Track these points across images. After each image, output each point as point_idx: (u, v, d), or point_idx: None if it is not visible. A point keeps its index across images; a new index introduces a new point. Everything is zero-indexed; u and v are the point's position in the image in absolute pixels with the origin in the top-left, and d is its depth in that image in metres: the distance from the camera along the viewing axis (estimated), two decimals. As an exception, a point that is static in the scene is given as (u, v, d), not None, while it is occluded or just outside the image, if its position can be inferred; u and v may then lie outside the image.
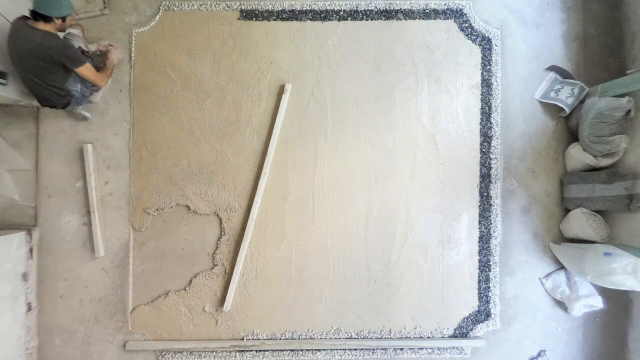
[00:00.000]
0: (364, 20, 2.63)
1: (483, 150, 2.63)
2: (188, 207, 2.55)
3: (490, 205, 2.62)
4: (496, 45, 2.64)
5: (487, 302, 2.60)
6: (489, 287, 2.60)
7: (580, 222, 2.43)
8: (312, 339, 2.53)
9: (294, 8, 2.62)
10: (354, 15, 2.63)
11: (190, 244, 2.55)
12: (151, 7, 2.59)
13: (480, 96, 2.64)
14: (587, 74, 2.64)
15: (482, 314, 2.60)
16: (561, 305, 2.61)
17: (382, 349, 2.54)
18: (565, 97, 2.54)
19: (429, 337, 2.57)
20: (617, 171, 2.31)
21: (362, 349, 2.54)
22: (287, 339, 2.53)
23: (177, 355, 2.50)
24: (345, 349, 2.54)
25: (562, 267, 2.60)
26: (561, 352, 2.60)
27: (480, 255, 2.61)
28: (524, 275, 2.63)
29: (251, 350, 2.51)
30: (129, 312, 2.51)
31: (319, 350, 2.54)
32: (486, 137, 2.63)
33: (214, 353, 2.51)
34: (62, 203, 2.52)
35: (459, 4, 2.64)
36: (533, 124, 2.65)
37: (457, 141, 2.63)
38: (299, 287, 2.56)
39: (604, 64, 2.63)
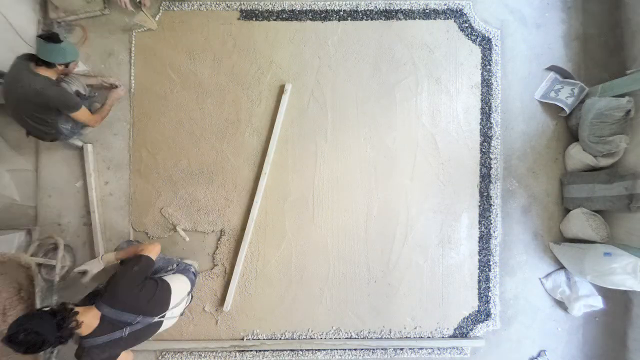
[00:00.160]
0: (364, 20, 2.63)
1: (483, 150, 2.63)
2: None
3: (490, 205, 2.62)
4: (496, 45, 2.64)
5: (487, 302, 2.60)
6: (489, 287, 2.60)
7: (580, 222, 2.43)
8: (312, 339, 2.53)
9: (294, 8, 2.62)
10: (354, 15, 2.63)
11: (190, 244, 2.55)
12: (151, 7, 2.59)
13: (480, 96, 2.64)
14: (587, 74, 2.64)
15: (482, 314, 2.60)
16: (561, 305, 2.61)
17: (382, 349, 2.54)
18: (565, 97, 2.54)
19: (429, 337, 2.57)
20: (617, 171, 2.31)
21: (362, 349, 2.54)
22: (287, 339, 2.53)
23: (177, 355, 2.50)
24: (345, 349, 2.54)
25: (562, 267, 2.60)
26: (561, 352, 2.60)
27: (480, 255, 2.61)
28: (524, 275, 2.63)
29: (251, 350, 2.51)
30: (129, 312, 2.51)
31: (319, 350, 2.54)
32: (486, 137, 2.63)
33: (214, 353, 2.51)
34: (62, 203, 2.52)
35: (459, 4, 2.64)
36: (533, 124, 2.65)
37: (457, 141, 2.63)
38: (299, 287, 2.56)
39: (604, 64, 2.63)
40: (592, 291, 2.49)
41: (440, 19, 2.64)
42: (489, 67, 2.64)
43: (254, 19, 2.61)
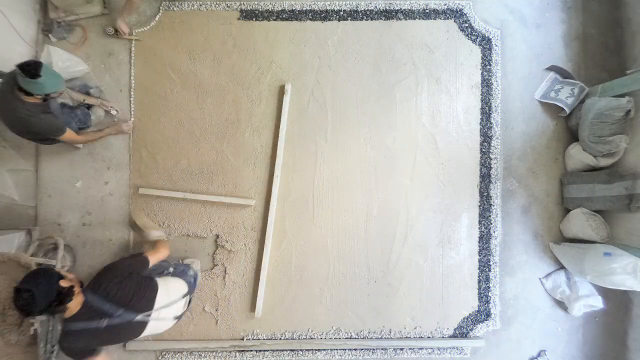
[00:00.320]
0: (364, 20, 2.63)
1: (483, 150, 2.63)
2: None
3: (490, 205, 2.62)
4: (496, 45, 2.64)
5: (487, 302, 2.60)
6: (489, 287, 2.60)
7: (580, 222, 2.43)
8: (312, 339, 2.53)
9: (294, 8, 2.62)
10: (354, 15, 2.63)
11: (191, 244, 2.55)
12: (151, 7, 2.59)
13: (480, 96, 2.64)
14: (587, 74, 2.64)
15: (482, 314, 2.60)
16: (561, 305, 2.61)
17: (382, 349, 2.54)
18: (565, 97, 2.54)
19: (429, 337, 2.57)
20: (617, 171, 2.31)
21: (362, 349, 2.54)
22: (287, 339, 2.53)
23: (177, 355, 2.49)
24: (345, 349, 2.54)
25: (562, 267, 2.60)
26: (561, 352, 2.60)
27: (480, 255, 2.61)
28: (524, 275, 2.63)
29: (251, 350, 2.51)
30: (129, 312, 2.51)
31: (319, 350, 2.54)
32: (486, 137, 2.63)
33: (214, 353, 2.50)
34: (62, 203, 2.52)
35: (459, 4, 2.64)
36: (533, 124, 2.65)
37: (457, 141, 2.63)
38: (299, 287, 2.56)
39: (604, 64, 2.63)
40: (592, 291, 2.49)
41: (440, 19, 2.64)
42: (489, 67, 2.64)
43: (254, 19, 2.61)
